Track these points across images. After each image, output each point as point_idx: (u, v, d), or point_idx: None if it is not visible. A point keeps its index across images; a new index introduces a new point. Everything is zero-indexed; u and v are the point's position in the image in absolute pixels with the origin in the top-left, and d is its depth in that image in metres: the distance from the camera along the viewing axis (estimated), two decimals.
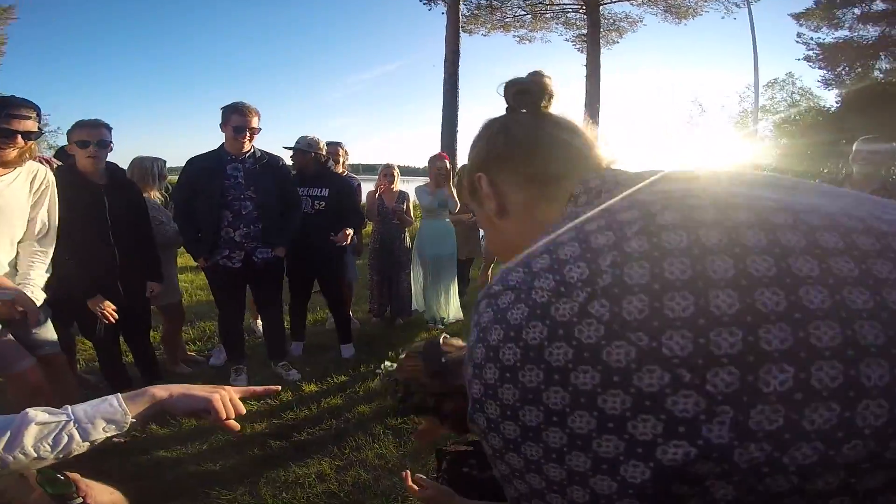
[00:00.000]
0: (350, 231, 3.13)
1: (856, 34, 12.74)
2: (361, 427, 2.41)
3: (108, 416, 0.72)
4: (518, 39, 15.53)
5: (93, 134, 2.15)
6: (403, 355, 1.02)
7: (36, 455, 0.67)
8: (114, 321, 2.22)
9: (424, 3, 14.07)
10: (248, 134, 2.59)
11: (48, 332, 1.92)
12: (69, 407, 0.71)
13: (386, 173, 3.80)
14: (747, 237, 0.36)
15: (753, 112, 10.92)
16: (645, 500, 0.34)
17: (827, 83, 13.56)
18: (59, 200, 1.92)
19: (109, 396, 0.74)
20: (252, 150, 2.69)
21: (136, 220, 2.40)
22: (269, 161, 2.77)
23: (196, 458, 2.14)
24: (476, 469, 1.21)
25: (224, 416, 0.83)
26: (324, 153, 3.20)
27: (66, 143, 3.18)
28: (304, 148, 3.09)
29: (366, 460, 2.14)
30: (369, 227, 4.04)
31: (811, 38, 13.48)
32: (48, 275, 1.91)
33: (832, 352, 0.32)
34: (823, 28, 13.22)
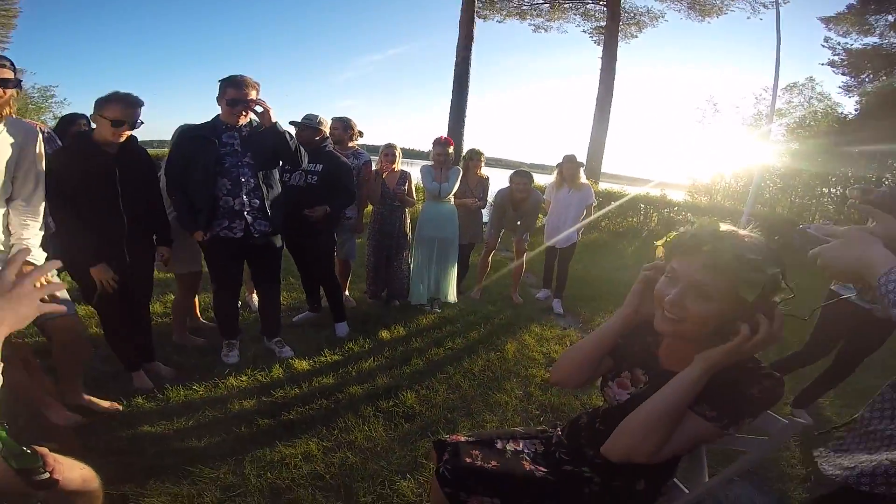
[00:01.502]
0: (323, 209, 2.98)
1: (886, 41, 12.46)
2: (351, 408, 2.38)
3: None
4: (534, 28, 15.28)
5: (129, 114, 2.13)
6: None
7: None
8: (111, 292, 2.21)
9: None
10: (244, 107, 2.49)
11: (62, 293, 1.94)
12: None
13: (387, 153, 3.71)
14: None
15: (769, 114, 10.71)
16: None
17: (848, 89, 13.32)
18: (68, 168, 1.97)
19: None
20: (249, 121, 2.61)
21: (147, 188, 2.38)
22: (267, 134, 2.67)
23: (181, 433, 2.10)
24: (480, 459, 1.19)
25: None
26: (325, 130, 3.14)
27: (76, 113, 3.08)
28: (306, 123, 3.05)
29: (354, 442, 2.12)
30: (370, 207, 3.95)
31: (838, 43, 13.21)
32: (42, 233, 1.92)
33: None
34: (853, 34, 12.94)
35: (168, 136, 2.91)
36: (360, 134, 3.76)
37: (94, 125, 2.19)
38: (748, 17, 12.83)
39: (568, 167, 4.28)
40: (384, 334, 3.32)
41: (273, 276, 2.93)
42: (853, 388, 2.79)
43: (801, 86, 13.47)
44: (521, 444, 1.28)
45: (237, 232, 2.61)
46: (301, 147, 2.71)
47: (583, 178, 4.33)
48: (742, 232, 0.93)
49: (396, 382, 2.67)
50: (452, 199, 3.91)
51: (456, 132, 11.46)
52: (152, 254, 2.49)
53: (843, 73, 13.37)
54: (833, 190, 12.98)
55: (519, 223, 4.26)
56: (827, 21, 13.14)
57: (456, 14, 11.81)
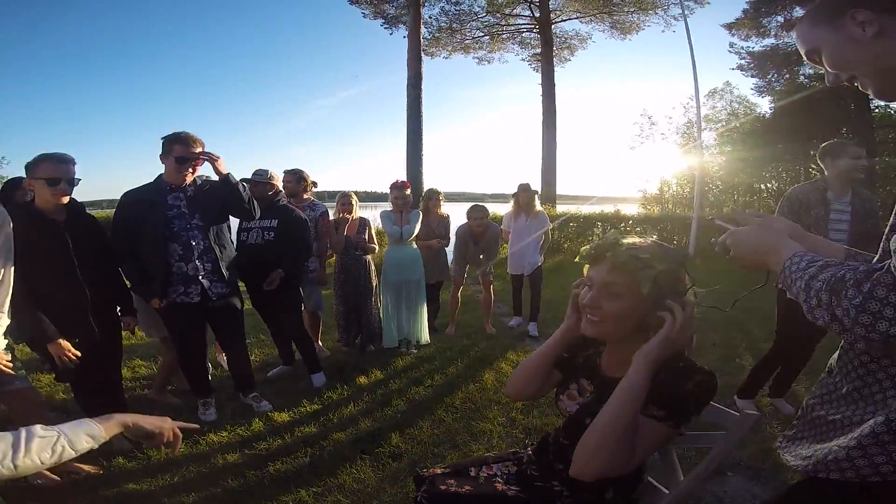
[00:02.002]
0: (278, 274, 3.03)
1: (780, 41, 13.59)
2: (337, 454, 2.40)
3: (88, 432, 0.96)
4: (478, 61, 16.11)
5: (62, 171, 2.09)
6: None
7: (40, 462, 0.88)
8: (76, 360, 2.17)
9: (385, 28, 14.40)
10: (191, 165, 2.52)
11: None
12: (57, 426, 0.94)
13: (343, 202, 3.81)
14: None
15: (697, 122, 11.56)
16: None
17: (760, 91, 14.46)
18: (17, 241, 1.82)
19: (85, 419, 0.98)
20: (194, 179, 2.62)
21: (102, 255, 2.38)
22: (212, 185, 2.68)
23: (167, 490, 2.09)
24: (455, 486, 1.26)
25: (165, 439, 1.11)
26: (277, 183, 3.25)
27: (22, 177, 3.08)
28: (257, 179, 3.15)
29: (344, 486, 2.13)
30: (333, 257, 4.02)
31: (742, 48, 14.30)
32: (9, 321, 1.88)
33: None
34: (752, 37, 14.06)
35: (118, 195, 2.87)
36: (314, 185, 3.86)
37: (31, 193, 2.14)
38: (663, 31, 14.04)
39: (523, 196, 4.50)
40: (362, 380, 3.34)
41: (236, 334, 2.94)
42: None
43: (721, 91, 14.59)
44: (493, 469, 1.35)
45: (194, 297, 2.61)
46: (254, 200, 2.76)
47: (538, 206, 4.56)
48: (639, 239, 1.09)
49: (379, 425, 2.70)
50: (415, 243, 4.03)
51: (414, 170, 11.78)
52: (118, 321, 2.48)
53: (752, 76, 14.46)
54: (768, 185, 14.12)
55: (481, 256, 4.42)
56: (728, 27, 14.27)
57: (403, 54, 12.38)
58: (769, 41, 13.86)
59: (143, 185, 2.58)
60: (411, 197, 4.03)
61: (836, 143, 2.67)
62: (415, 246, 4.02)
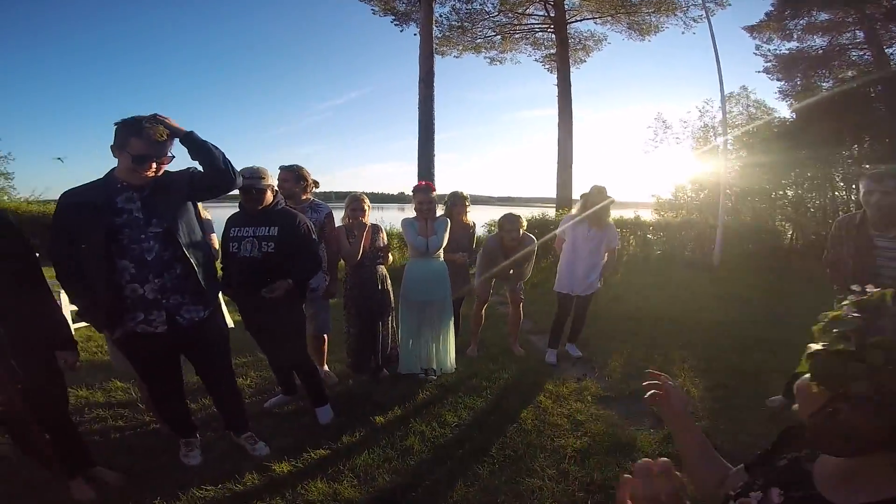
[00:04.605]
0: (285, 283, 2.45)
1: (806, 44, 13.16)
2: None
3: None
4: (489, 61, 15.68)
5: None
6: None
7: None
8: None
9: (396, 25, 13.94)
10: (152, 165, 1.91)
11: None
12: None
13: (353, 207, 3.23)
14: None
15: (722, 124, 11.16)
16: None
17: (784, 94, 13.94)
18: None
19: None
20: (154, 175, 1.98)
21: (24, 280, 1.83)
22: (174, 178, 2.03)
23: None
24: None
25: None
26: (272, 182, 2.60)
27: None
28: (247, 184, 2.47)
29: None
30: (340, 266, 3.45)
31: (769, 50, 13.83)
32: None
33: None
34: (775, 40, 13.60)
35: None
36: (316, 184, 3.27)
37: None
38: (682, 33, 13.50)
39: (596, 200, 3.60)
40: (378, 418, 2.79)
41: (221, 370, 2.38)
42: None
43: (738, 95, 14.08)
44: None
45: (157, 326, 2.01)
46: (231, 163, 2.04)
47: (610, 216, 3.76)
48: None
49: (401, 480, 2.20)
50: (442, 255, 3.46)
51: (426, 172, 11.27)
52: (51, 357, 1.93)
53: (778, 79, 14.01)
54: (789, 192, 13.64)
55: (511, 272, 3.88)
56: (751, 30, 13.82)
57: (413, 53, 11.89)
58: (793, 44, 13.44)
59: (89, 183, 1.97)
60: (436, 202, 3.46)
61: (875, 171, 2.38)
62: (441, 259, 3.45)
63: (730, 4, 12.70)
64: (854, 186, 12.53)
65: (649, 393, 1.06)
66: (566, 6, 13.47)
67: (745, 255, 10.16)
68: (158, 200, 1.98)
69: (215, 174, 2.00)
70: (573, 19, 14.02)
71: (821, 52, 12.83)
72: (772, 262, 10.60)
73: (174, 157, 1.98)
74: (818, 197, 13.46)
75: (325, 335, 3.36)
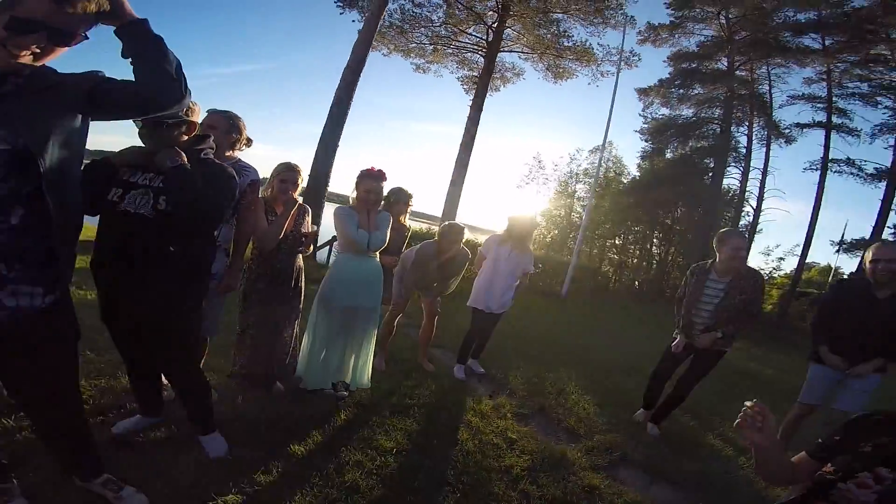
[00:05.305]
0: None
1: (675, 112, 15.91)
2: None
3: None
4: (415, 67, 15.73)
5: None
6: None
7: None
8: None
9: (339, 6, 13.12)
10: (33, 42, 1.14)
11: None
12: None
13: (283, 178, 2.62)
14: None
15: (596, 176, 13.07)
16: None
17: (644, 156, 16.64)
18: None
19: None
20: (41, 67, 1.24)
21: None
22: (63, 80, 1.29)
23: None
24: None
25: None
26: (195, 118, 1.91)
27: None
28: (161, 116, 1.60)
29: None
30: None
31: (649, 114, 16.40)
32: None
33: None
34: (655, 104, 16.19)
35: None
36: (249, 142, 2.50)
37: None
38: (588, 84, 15.10)
39: (524, 226, 3.73)
40: (296, 447, 2.21)
41: (57, 395, 1.50)
42: None
43: (601, 149, 16.70)
44: None
45: None
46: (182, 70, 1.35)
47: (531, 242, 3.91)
48: None
49: None
50: (378, 255, 3.01)
51: (325, 162, 10.22)
52: None
53: (646, 141, 16.64)
54: (618, 241, 16.70)
55: (436, 284, 3.67)
56: (641, 92, 16.29)
57: (333, 40, 10.98)
58: (666, 111, 16.10)
59: None
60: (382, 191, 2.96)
61: (724, 231, 3.08)
62: (378, 260, 3.00)
63: (637, 67, 14.59)
64: (664, 244, 16.04)
65: (747, 424, 1.19)
66: (504, 36, 14.20)
67: (584, 290, 11.91)
68: (22, 102, 1.20)
69: (158, 86, 1.31)
70: (505, 49, 14.82)
71: (687, 122, 15.64)
72: (604, 297, 12.64)
73: (86, 37, 1.22)
74: (637, 249, 16.83)
75: (207, 337, 2.57)
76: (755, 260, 14.80)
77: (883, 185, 12.35)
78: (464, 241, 3.65)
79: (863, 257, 2.98)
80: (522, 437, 2.79)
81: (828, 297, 3.10)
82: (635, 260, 16.94)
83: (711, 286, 3.00)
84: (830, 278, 16.65)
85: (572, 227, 15.57)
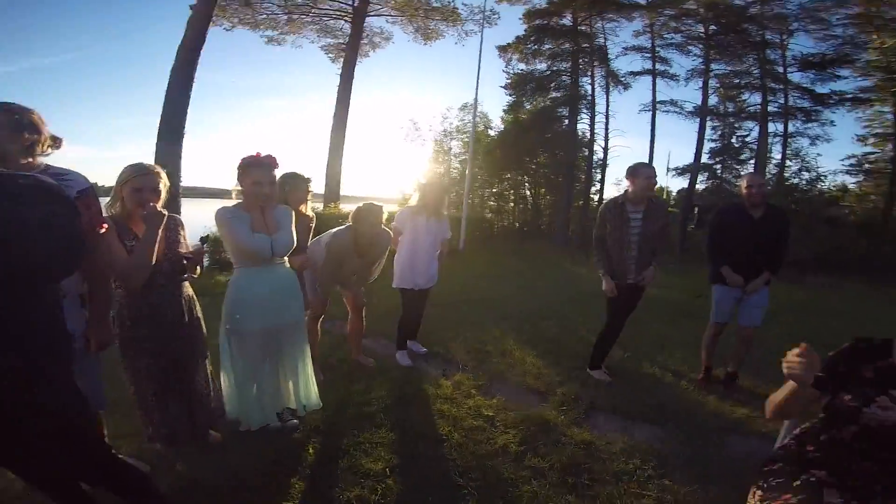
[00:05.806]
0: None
1: (531, 67, 16.67)
2: None
3: None
4: (267, 40, 14.09)
5: None
6: None
7: None
8: None
9: None
10: None
11: None
12: None
13: (139, 187, 1.92)
14: None
15: (471, 134, 13.41)
16: None
17: (510, 109, 17.29)
18: None
19: None
20: None
21: None
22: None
23: None
24: None
25: None
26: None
27: None
28: None
29: None
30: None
31: (510, 69, 16.91)
32: None
33: None
34: (514, 61, 16.76)
35: None
36: (56, 141, 1.75)
37: None
38: (455, 43, 15.55)
39: (435, 193, 3.52)
40: None
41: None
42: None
43: (470, 106, 16.95)
44: None
45: None
46: None
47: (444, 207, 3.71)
48: None
49: None
50: (287, 259, 2.48)
51: (170, 152, 8.48)
52: None
53: (510, 95, 17.31)
54: (494, 190, 17.75)
55: (355, 276, 3.28)
56: (501, 49, 16.80)
57: (150, 20, 8.90)
58: (525, 66, 16.79)
59: None
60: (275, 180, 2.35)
61: (635, 164, 3.20)
62: (288, 265, 2.49)
63: (497, 24, 14.66)
64: (533, 187, 17.59)
65: (800, 363, 1.22)
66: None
67: (476, 240, 12.41)
68: None
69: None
70: (372, 13, 13.99)
71: (542, 75, 16.54)
72: (493, 243, 13.35)
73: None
74: (512, 195, 18.19)
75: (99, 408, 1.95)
76: (609, 190, 16.88)
77: (698, 120, 14.84)
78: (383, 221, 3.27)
79: (734, 185, 3.49)
80: (497, 410, 2.77)
81: (713, 223, 3.55)
82: (511, 204, 18.36)
83: (631, 217, 3.09)
84: (665, 196, 20.13)
85: (452, 182, 16.00)
